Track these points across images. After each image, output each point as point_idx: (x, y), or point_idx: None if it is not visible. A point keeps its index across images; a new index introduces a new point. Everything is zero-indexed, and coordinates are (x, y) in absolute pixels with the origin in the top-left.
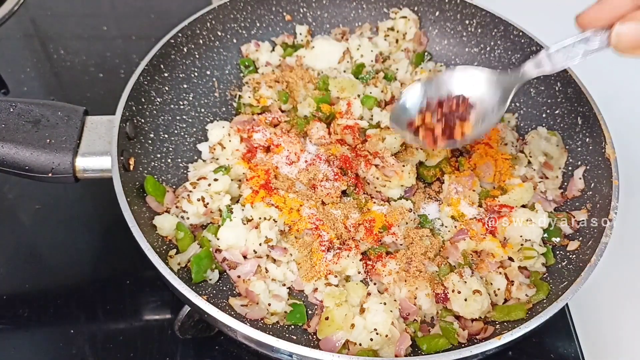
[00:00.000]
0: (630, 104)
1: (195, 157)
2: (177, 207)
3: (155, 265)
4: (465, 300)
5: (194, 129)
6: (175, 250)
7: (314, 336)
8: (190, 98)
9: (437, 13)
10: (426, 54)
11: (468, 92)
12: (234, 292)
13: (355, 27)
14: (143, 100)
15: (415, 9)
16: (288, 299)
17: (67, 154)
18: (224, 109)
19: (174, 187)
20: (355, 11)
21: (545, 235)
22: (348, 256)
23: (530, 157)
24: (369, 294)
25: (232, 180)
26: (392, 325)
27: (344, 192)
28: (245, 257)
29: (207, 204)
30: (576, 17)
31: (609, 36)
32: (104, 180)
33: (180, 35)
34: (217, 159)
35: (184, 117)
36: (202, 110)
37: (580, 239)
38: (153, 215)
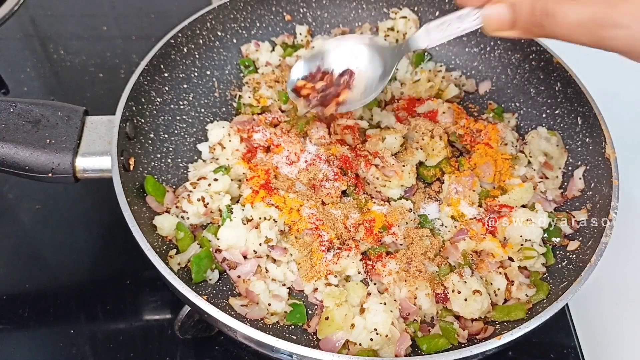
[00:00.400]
0: (630, 104)
1: (195, 157)
2: (177, 207)
3: (155, 265)
4: (465, 300)
5: (194, 129)
6: (175, 250)
7: (314, 336)
8: (190, 98)
9: (437, 13)
10: (426, 54)
11: (351, 63)
12: (234, 292)
13: (355, 27)
14: (143, 100)
15: (415, 9)
16: (288, 299)
17: (67, 154)
18: (224, 109)
19: (174, 187)
20: (355, 11)
21: (545, 235)
22: (348, 256)
23: (530, 157)
24: (369, 294)
25: (232, 180)
26: (392, 325)
27: (344, 192)
28: (245, 257)
29: (207, 204)
30: None
31: (480, 15)
32: (104, 180)
33: (180, 35)
34: (217, 159)
35: (184, 117)
36: (202, 110)
37: (580, 239)
38: (153, 215)
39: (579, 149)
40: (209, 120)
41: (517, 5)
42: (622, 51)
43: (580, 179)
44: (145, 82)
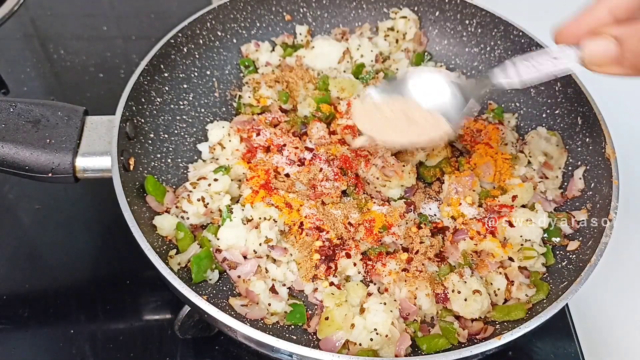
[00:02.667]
0: (630, 104)
1: (195, 157)
2: (177, 207)
3: (155, 265)
4: (465, 300)
5: (194, 129)
6: (175, 250)
7: (314, 336)
8: (190, 98)
9: (437, 13)
10: (426, 54)
11: (429, 100)
12: (234, 292)
13: (355, 27)
14: (143, 100)
15: (415, 9)
16: (288, 299)
17: (67, 154)
18: (224, 109)
19: (174, 187)
20: (355, 11)
21: (545, 235)
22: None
23: (530, 157)
24: (369, 294)
25: (232, 180)
26: (392, 325)
27: (344, 192)
28: (245, 257)
29: (207, 204)
30: (555, 32)
31: (580, 52)
32: (104, 180)
33: (180, 35)
34: (217, 159)
35: (184, 117)
36: (202, 110)
37: (580, 239)
38: (153, 215)
39: (579, 149)
40: (209, 120)
41: (625, 41)
42: None
43: (580, 179)
44: (145, 82)
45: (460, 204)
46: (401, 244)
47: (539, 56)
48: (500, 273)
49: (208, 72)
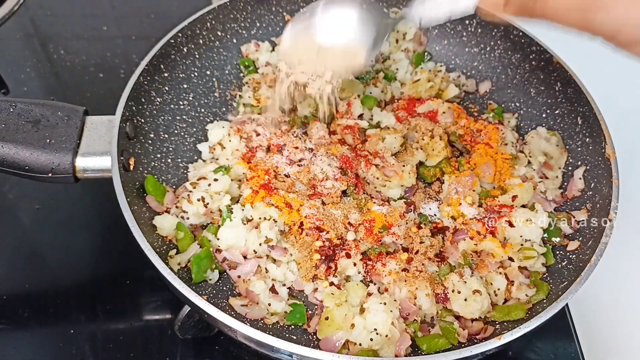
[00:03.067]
0: (630, 104)
1: (195, 157)
2: (177, 207)
3: (155, 265)
4: (465, 300)
5: (194, 129)
6: (175, 250)
7: (314, 336)
8: (190, 98)
9: None
10: (426, 54)
11: (348, 30)
12: (234, 292)
13: None
14: (143, 100)
15: None
16: (288, 299)
17: (67, 154)
18: (224, 109)
19: (174, 187)
20: None
21: (545, 235)
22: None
23: (530, 157)
24: (369, 294)
25: (232, 180)
26: (392, 325)
27: (344, 192)
28: (245, 257)
29: (207, 204)
30: None
31: None
32: (104, 180)
33: (180, 35)
34: (217, 159)
35: (184, 117)
36: (202, 110)
37: (580, 239)
38: (153, 215)
39: (579, 149)
40: (209, 120)
41: None
42: (608, 35)
43: (580, 179)
44: (145, 82)
45: (460, 204)
46: (401, 244)
47: None
48: (500, 273)
49: (208, 72)
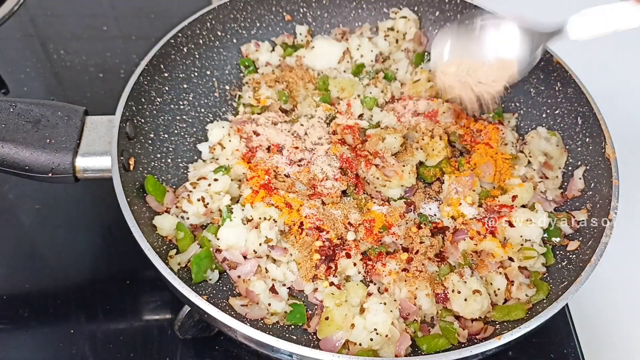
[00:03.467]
0: (630, 104)
1: (195, 157)
2: (177, 207)
3: (155, 265)
4: (465, 300)
5: (194, 129)
6: (175, 250)
7: (314, 336)
8: (190, 98)
9: (437, 13)
10: (426, 54)
11: (500, 53)
12: (234, 292)
13: (355, 27)
14: (143, 100)
15: (415, 9)
16: (288, 299)
17: (67, 154)
18: (224, 109)
19: (174, 187)
20: (355, 11)
21: (545, 235)
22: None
23: (530, 157)
24: (369, 294)
25: (232, 180)
26: (392, 325)
27: (344, 192)
28: (245, 257)
29: (207, 204)
30: None
31: None
32: (104, 180)
33: (180, 35)
34: (217, 159)
35: (184, 117)
36: (202, 110)
37: (580, 239)
38: (153, 215)
39: (579, 149)
40: (209, 120)
41: None
42: None
43: (580, 179)
44: (145, 82)
45: (460, 204)
46: (401, 244)
47: (610, 10)
48: (500, 273)
49: (208, 72)
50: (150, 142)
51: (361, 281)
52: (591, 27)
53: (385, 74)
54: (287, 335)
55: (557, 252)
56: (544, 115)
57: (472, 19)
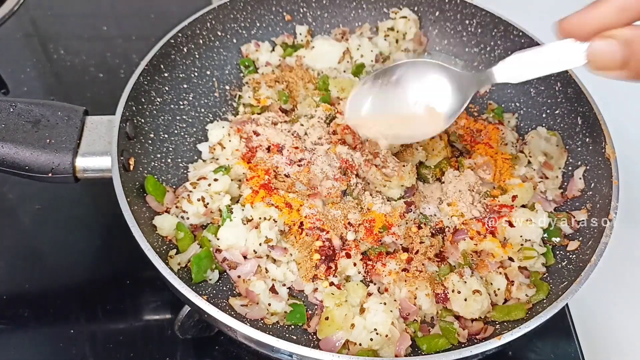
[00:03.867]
0: (630, 104)
1: (195, 157)
2: (177, 207)
3: (155, 265)
4: (465, 300)
5: (194, 129)
6: (175, 250)
7: (314, 336)
8: (190, 98)
9: (437, 13)
10: (426, 54)
11: (427, 96)
12: (234, 292)
13: (355, 27)
14: (143, 100)
15: (415, 9)
16: (288, 299)
17: (67, 154)
18: (224, 109)
19: (174, 187)
20: (355, 11)
21: (545, 235)
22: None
23: (530, 157)
24: (369, 294)
25: (232, 180)
26: (392, 325)
27: (344, 192)
28: (245, 257)
29: (207, 204)
30: (558, 22)
31: (586, 50)
32: (104, 180)
33: (180, 35)
34: (217, 159)
35: (184, 117)
36: (202, 110)
37: (580, 239)
38: (153, 215)
39: (579, 149)
40: (209, 120)
41: (634, 43)
42: None
43: (580, 179)
44: (145, 82)
45: (461, 204)
46: (401, 244)
47: (542, 53)
48: (500, 273)
49: (208, 72)
50: (150, 142)
51: (361, 281)
52: (521, 73)
53: None
54: (287, 335)
55: (557, 252)
56: (544, 115)
57: (394, 70)
